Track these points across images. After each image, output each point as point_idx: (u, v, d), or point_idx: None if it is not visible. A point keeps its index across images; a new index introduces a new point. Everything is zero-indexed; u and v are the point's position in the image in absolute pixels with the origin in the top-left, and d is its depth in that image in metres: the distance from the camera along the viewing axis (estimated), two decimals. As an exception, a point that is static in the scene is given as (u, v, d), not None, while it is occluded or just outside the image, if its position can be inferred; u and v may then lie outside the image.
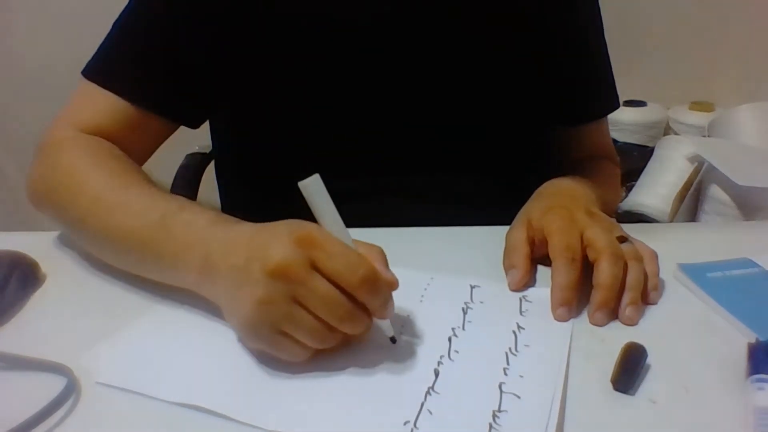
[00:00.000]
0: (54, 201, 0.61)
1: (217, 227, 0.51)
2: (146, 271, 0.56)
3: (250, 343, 0.47)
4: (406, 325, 0.53)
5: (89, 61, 0.68)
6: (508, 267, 0.60)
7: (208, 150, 1.00)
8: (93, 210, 0.57)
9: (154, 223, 0.53)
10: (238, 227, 0.50)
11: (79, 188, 0.59)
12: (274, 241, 0.44)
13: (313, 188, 0.45)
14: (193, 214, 0.53)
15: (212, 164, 0.92)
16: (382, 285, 0.45)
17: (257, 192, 0.78)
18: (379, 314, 0.46)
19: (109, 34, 0.69)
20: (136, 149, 0.68)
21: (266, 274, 0.43)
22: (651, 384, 0.46)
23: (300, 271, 0.43)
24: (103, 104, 0.66)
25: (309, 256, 0.44)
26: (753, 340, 0.48)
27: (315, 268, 0.44)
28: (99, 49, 0.69)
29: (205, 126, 0.80)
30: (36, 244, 0.63)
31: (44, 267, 0.60)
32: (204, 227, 0.51)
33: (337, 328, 0.45)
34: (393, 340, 0.49)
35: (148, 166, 0.72)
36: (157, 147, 0.72)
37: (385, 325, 0.49)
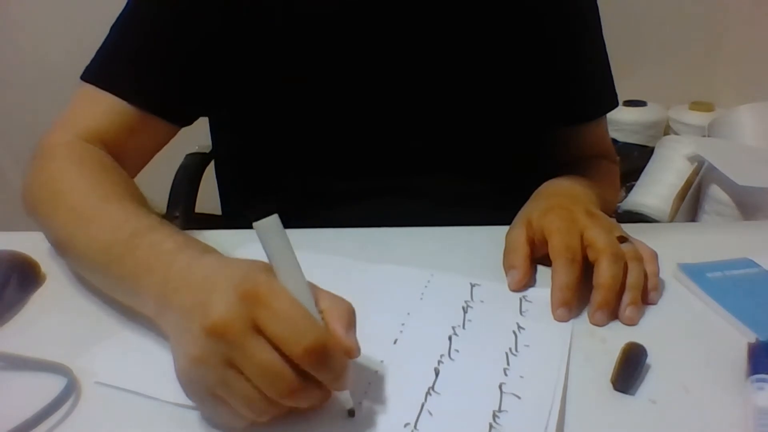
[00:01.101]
0: (38, 210, 0.61)
1: (181, 254, 0.47)
2: (113, 292, 0.53)
3: (188, 397, 0.42)
4: (406, 322, 0.52)
5: (88, 65, 0.69)
6: (508, 267, 0.60)
7: (208, 150, 1.00)
8: (68, 221, 0.56)
9: (122, 241, 0.50)
10: (201, 260, 0.45)
11: (61, 198, 0.58)
12: (218, 293, 0.40)
13: (270, 229, 0.40)
14: (162, 236, 0.50)
15: (212, 164, 0.92)
16: (333, 356, 0.38)
17: (257, 192, 0.78)
18: (333, 387, 0.41)
19: (107, 38, 0.69)
20: (134, 153, 0.68)
21: (203, 331, 0.38)
22: (651, 384, 0.46)
23: (238, 332, 0.38)
24: (103, 107, 0.66)
25: (252, 315, 0.38)
26: (753, 340, 0.48)
27: (257, 329, 0.38)
28: (98, 53, 0.69)
29: (205, 126, 0.80)
30: (36, 244, 0.63)
31: (44, 267, 0.60)
32: (168, 252, 0.47)
33: (279, 401, 0.39)
34: (351, 413, 0.42)
35: (148, 165, 0.72)
36: (156, 151, 0.72)
37: (343, 397, 0.42)
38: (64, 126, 0.67)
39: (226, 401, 0.39)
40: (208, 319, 0.38)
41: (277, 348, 0.38)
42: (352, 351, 0.40)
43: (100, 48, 0.69)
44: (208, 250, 0.48)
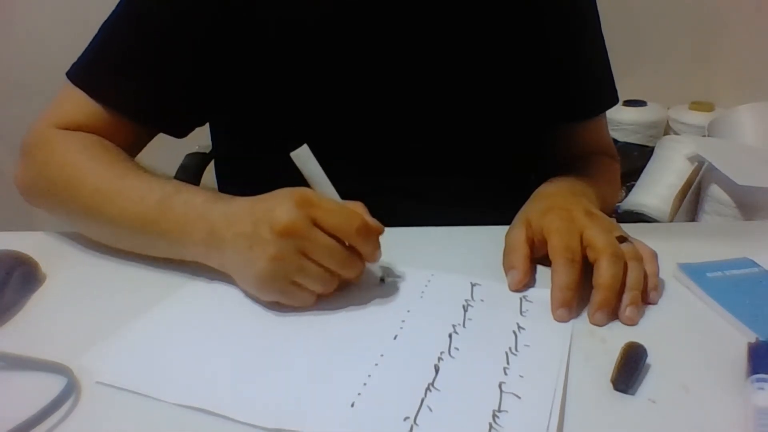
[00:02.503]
0: (53, 196, 0.63)
1: (215, 203, 0.55)
2: (154, 250, 0.60)
3: (264, 297, 0.53)
4: (407, 319, 0.53)
5: (75, 63, 0.69)
6: (507, 268, 0.60)
7: (208, 150, 1.00)
8: (95, 201, 0.60)
9: (154, 205, 0.57)
10: (236, 202, 0.55)
11: (79, 182, 0.61)
12: (278, 204, 0.50)
13: (304, 157, 0.53)
14: (190, 194, 0.57)
15: (212, 164, 0.92)
16: (372, 233, 0.53)
17: (257, 192, 0.77)
18: (371, 258, 0.54)
19: (95, 37, 0.69)
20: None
21: (276, 233, 0.49)
22: (651, 384, 0.46)
23: (304, 228, 0.50)
24: (86, 107, 0.67)
25: (310, 214, 0.50)
26: (753, 340, 0.48)
27: (316, 224, 0.50)
28: (85, 52, 0.69)
29: (205, 126, 0.80)
30: (36, 244, 0.63)
31: (44, 267, 0.60)
32: (202, 204, 0.56)
33: (339, 273, 0.52)
34: (382, 280, 0.57)
35: (148, 165, 0.72)
36: (139, 150, 0.72)
37: (375, 268, 0.57)
38: (51, 121, 0.67)
39: (302, 285, 0.51)
40: (279, 224, 0.49)
41: (332, 235, 0.51)
42: (380, 228, 0.54)
43: (88, 47, 0.69)
44: (234, 197, 0.56)
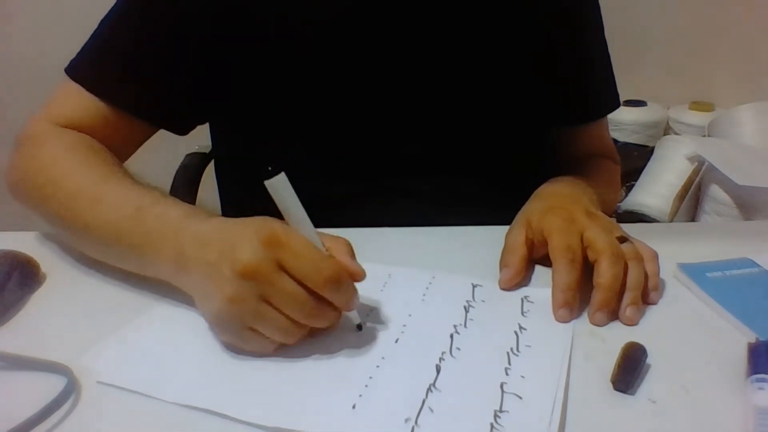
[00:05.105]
0: (34, 195, 0.62)
1: (189, 220, 0.52)
2: (125, 263, 0.57)
3: (220, 336, 0.49)
4: (408, 321, 0.53)
5: (74, 58, 0.68)
6: (502, 266, 0.59)
7: (208, 150, 1.00)
8: (71, 204, 0.58)
9: (129, 216, 0.54)
10: (210, 221, 0.51)
11: (58, 183, 0.60)
12: (243, 241, 0.46)
13: (279, 186, 0.46)
14: (167, 207, 0.54)
15: (212, 164, 0.92)
16: (345, 282, 0.47)
17: (257, 192, 0.77)
18: (345, 308, 0.49)
19: (95, 33, 0.69)
20: (115, 148, 0.67)
21: (236, 274, 0.45)
22: (651, 384, 0.46)
23: (267, 271, 0.45)
24: (85, 103, 0.67)
25: (276, 256, 0.45)
26: (753, 340, 0.48)
27: (282, 268, 0.45)
28: (84, 47, 0.69)
29: (205, 126, 0.80)
30: (36, 244, 0.63)
31: (44, 267, 0.60)
32: (176, 219, 0.52)
33: (304, 323, 0.47)
34: (359, 327, 0.51)
35: (147, 166, 0.72)
36: (137, 147, 0.72)
37: (352, 315, 0.51)
38: (48, 116, 0.67)
39: (259, 331, 0.46)
40: (239, 264, 0.44)
41: (299, 282, 0.45)
42: (359, 274, 0.48)
43: (87, 43, 0.69)
44: (211, 214, 0.53)
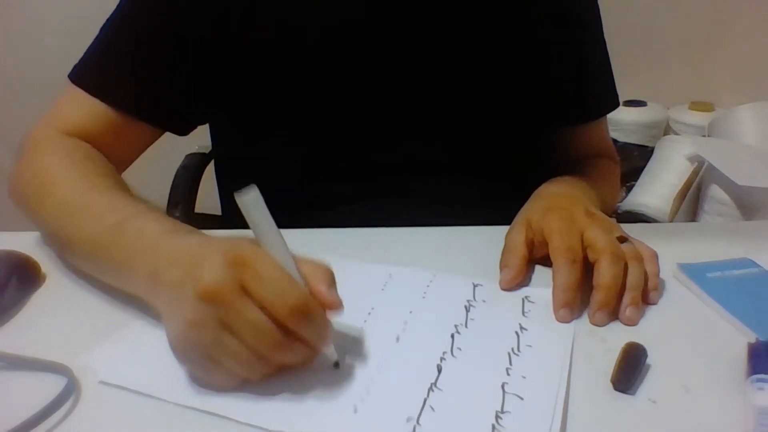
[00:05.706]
0: (27, 201, 0.62)
1: (166, 237, 0.49)
2: (104, 276, 0.55)
3: (180, 362, 0.45)
4: (409, 320, 0.53)
5: (76, 65, 0.69)
6: (502, 267, 0.59)
7: (208, 150, 1.00)
8: (57, 212, 0.58)
9: (109, 229, 0.52)
10: (186, 239, 0.48)
11: (48, 190, 0.60)
12: (207, 261, 0.42)
13: (251, 202, 0.42)
14: (147, 222, 0.52)
15: (212, 164, 0.92)
16: (315, 314, 0.42)
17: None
18: (315, 344, 0.43)
19: (97, 38, 0.69)
20: (119, 153, 0.68)
21: (196, 295, 0.41)
22: (651, 384, 0.46)
23: (229, 294, 0.41)
24: (88, 108, 0.67)
25: (240, 278, 0.41)
26: (753, 340, 0.48)
27: (246, 292, 0.41)
28: (86, 53, 0.69)
29: (205, 126, 0.80)
30: (36, 244, 0.63)
31: (44, 267, 0.60)
32: (154, 236, 0.49)
33: (268, 357, 0.42)
34: (336, 365, 0.46)
35: (148, 166, 0.72)
36: (141, 152, 0.72)
37: (328, 351, 0.45)
38: (52, 122, 0.67)
39: (220, 361, 0.42)
40: (201, 285, 0.41)
41: (263, 308, 0.41)
42: (335, 304, 0.43)
43: (89, 48, 0.69)
44: (192, 231, 0.50)
